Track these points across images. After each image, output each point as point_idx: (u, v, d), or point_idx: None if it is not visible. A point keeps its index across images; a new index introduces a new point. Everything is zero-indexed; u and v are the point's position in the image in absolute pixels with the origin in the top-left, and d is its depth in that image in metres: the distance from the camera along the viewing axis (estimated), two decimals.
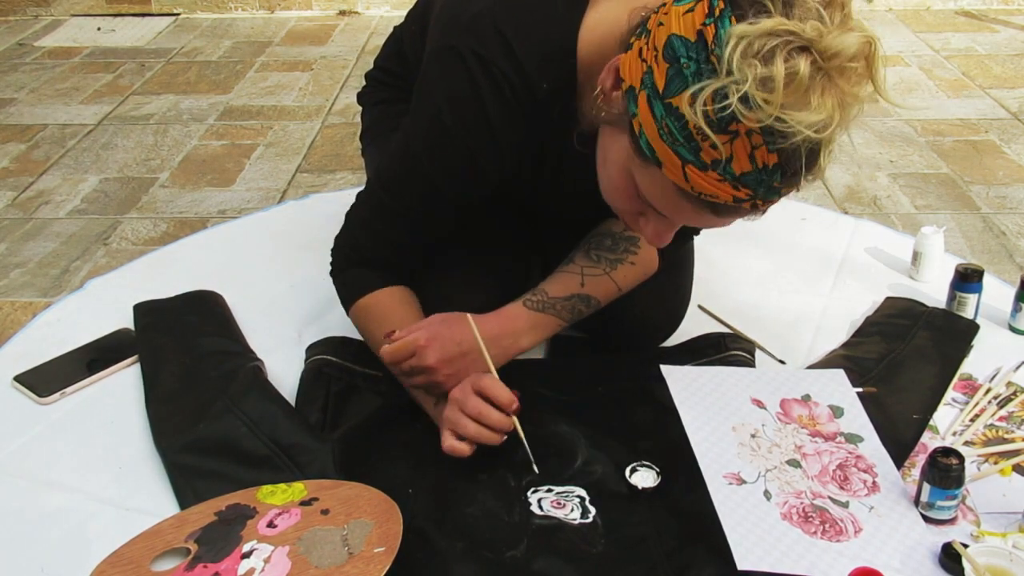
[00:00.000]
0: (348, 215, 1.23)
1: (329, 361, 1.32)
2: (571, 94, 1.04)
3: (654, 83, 0.84)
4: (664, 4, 0.87)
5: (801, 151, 0.81)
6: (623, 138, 0.91)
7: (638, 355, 1.35)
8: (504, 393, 1.07)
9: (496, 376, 1.09)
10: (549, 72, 1.02)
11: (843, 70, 0.79)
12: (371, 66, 1.50)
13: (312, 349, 1.37)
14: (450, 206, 1.15)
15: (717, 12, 0.81)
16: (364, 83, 1.51)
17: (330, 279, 1.25)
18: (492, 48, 1.00)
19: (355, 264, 1.22)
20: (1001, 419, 1.25)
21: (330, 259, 1.25)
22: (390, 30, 1.49)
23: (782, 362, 1.37)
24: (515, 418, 1.09)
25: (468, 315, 1.13)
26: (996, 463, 1.17)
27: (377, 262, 1.21)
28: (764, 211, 0.89)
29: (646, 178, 0.91)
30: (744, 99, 0.78)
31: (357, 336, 1.32)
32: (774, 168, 0.83)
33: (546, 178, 1.18)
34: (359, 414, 1.24)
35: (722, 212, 0.89)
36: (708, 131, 0.81)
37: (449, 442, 1.08)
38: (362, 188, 1.23)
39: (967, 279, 1.44)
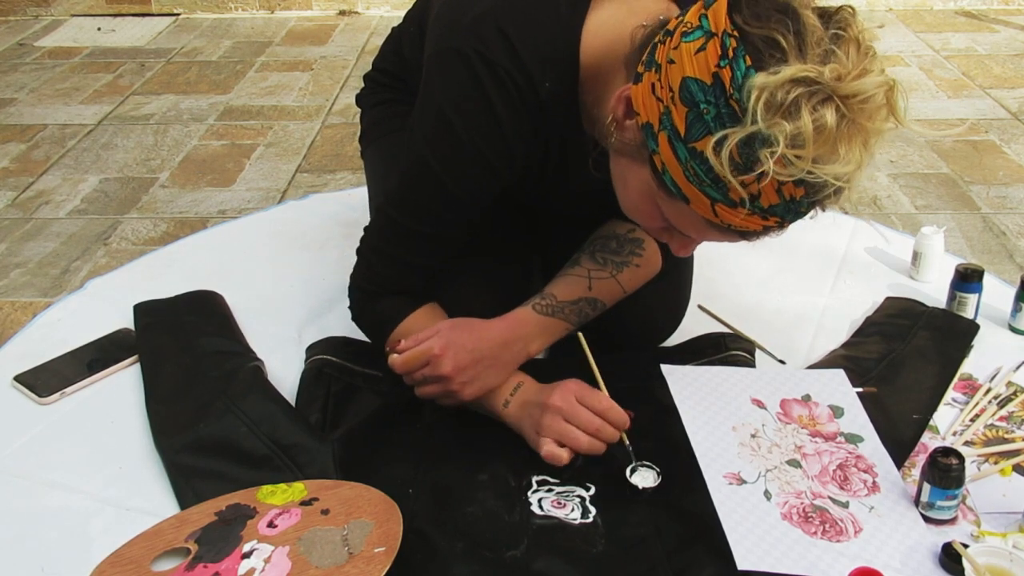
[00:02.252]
0: (359, 251, 1.21)
1: (329, 361, 1.32)
2: (573, 97, 1.05)
3: (674, 125, 0.85)
4: (668, 29, 0.88)
5: (828, 186, 0.83)
6: (643, 170, 0.92)
7: (638, 355, 1.35)
8: (621, 414, 1.11)
9: (606, 393, 1.12)
10: (551, 73, 1.02)
11: (866, 111, 0.81)
12: (370, 67, 1.50)
13: (312, 349, 1.37)
14: (465, 212, 1.13)
15: (731, 53, 0.81)
16: (363, 85, 1.51)
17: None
18: (495, 48, 1.00)
19: (375, 298, 1.21)
20: (1001, 419, 1.25)
21: (348, 305, 1.24)
22: (390, 30, 1.49)
23: (782, 362, 1.37)
24: (624, 434, 1.13)
25: (580, 334, 1.17)
26: (996, 463, 1.17)
27: (399, 289, 1.20)
28: (787, 228, 0.92)
29: (672, 209, 0.92)
30: (776, 157, 0.79)
31: (358, 336, 1.32)
32: (802, 199, 0.85)
33: (549, 176, 1.18)
34: (359, 414, 1.24)
35: (750, 236, 0.92)
36: (735, 176, 0.82)
37: (549, 448, 1.11)
38: (367, 223, 1.21)
39: (967, 279, 1.44)
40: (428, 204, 1.11)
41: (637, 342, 1.35)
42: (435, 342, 1.12)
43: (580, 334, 1.18)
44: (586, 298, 1.21)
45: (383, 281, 1.19)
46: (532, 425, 1.13)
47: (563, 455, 1.11)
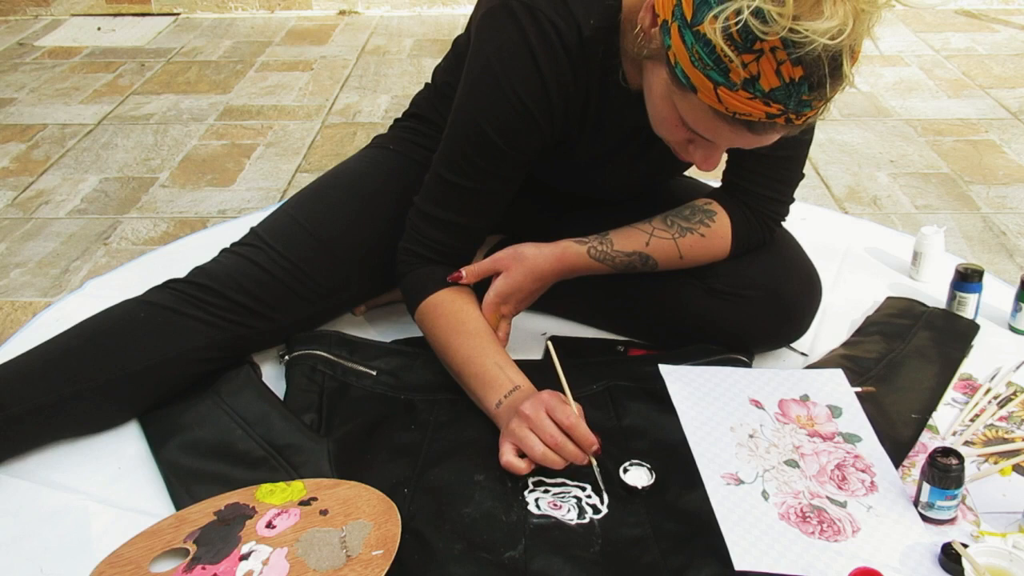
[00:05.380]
0: (408, 218, 1.25)
1: (323, 358, 1.32)
2: (615, 33, 1.09)
3: (683, 13, 0.90)
4: None
5: (823, 60, 0.86)
6: (662, 71, 0.98)
7: (638, 355, 1.35)
8: (587, 435, 1.08)
9: (577, 413, 1.09)
10: (594, 11, 1.08)
11: None
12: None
13: (300, 343, 1.34)
14: (507, 164, 1.17)
15: None
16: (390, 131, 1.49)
17: None
18: None
19: (418, 264, 1.25)
20: (1001, 419, 1.25)
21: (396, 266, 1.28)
22: (390, 30, 1.49)
23: (804, 354, 1.38)
24: (593, 459, 1.10)
25: (548, 342, 1.21)
26: (996, 463, 1.17)
27: (442, 254, 1.24)
28: (801, 125, 0.94)
29: (685, 105, 0.97)
30: (757, 14, 0.84)
31: (352, 333, 1.32)
32: (800, 81, 0.88)
33: (586, 139, 1.21)
34: (354, 414, 1.24)
35: (758, 129, 0.94)
36: (733, 52, 0.87)
37: (508, 458, 1.09)
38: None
39: (967, 279, 1.44)
40: (472, 157, 1.16)
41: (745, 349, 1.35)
42: (504, 255, 1.25)
43: (549, 343, 1.20)
44: (640, 252, 1.26)
45: (429, 244, 1.23)
46: (503, 427, 1.13)
47: (520, 466, 1.09)
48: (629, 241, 1.25)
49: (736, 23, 0.85)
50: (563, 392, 1.12)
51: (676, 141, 1.06)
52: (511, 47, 1.08)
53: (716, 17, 0.86)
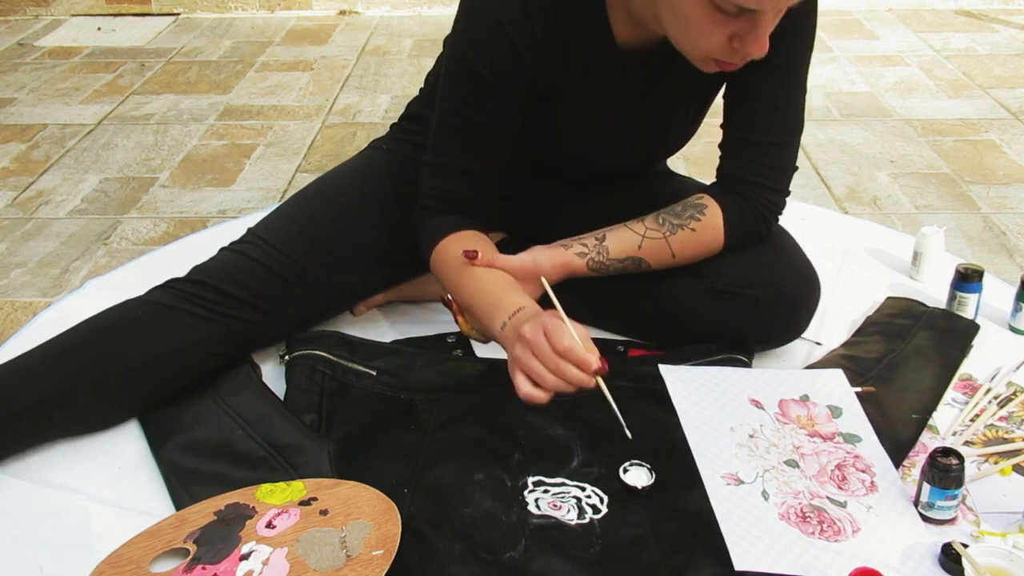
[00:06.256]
0: (419, 176, 1.27)
1: (322, 358, 1.32)
2: None
3: None
4: None
5: None
6: None
7: (638, 356, 1.35)
8: (583, 356, 1.02)
9: (573, 332, 1.03)
10: None
11: None
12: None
13: (300, 343, 1.34)
14: (500, 98, 1.18)
15: None
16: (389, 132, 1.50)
17: None
18: None
19: (430, 216, 1.26)
20: (1001, 419, 1.25)
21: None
22: (390, 30, 1.49)
23: (818, 343, 1.39)
24: (600, 380, 1.05)
25: (542, 278, 1.19)
26: (996, 463, 1.17)
27: (452, 203, 1.25)
28: None
29: None
30: None
31: (352, 333, 1.31)
32: None
33: (571, 87, 1.21)
34: (354, 414, 1.24)
35: None
36: None
37: (526, 389, 1.04)
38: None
39: (967, 279, 1.44)
40: (465, 94, 1.18)
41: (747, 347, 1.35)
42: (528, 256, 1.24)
43: (544, 279, 1.18)
44: (632, 257, 1.26)
45: (439, 195, 1.25)
46: (510, 354, 1.09)
47: (540, 396, 1.03)
48: (622, 246, 1.25)
49: None
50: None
51: (719, 43, 1.03)
52: None
53: None
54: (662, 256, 1.27)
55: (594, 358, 1.02)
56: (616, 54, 1.17)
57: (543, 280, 1.18)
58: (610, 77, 1.20)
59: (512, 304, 1.13)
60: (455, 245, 1.22)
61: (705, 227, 1.26)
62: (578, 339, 1.03)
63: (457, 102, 1.19)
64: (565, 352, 1.02)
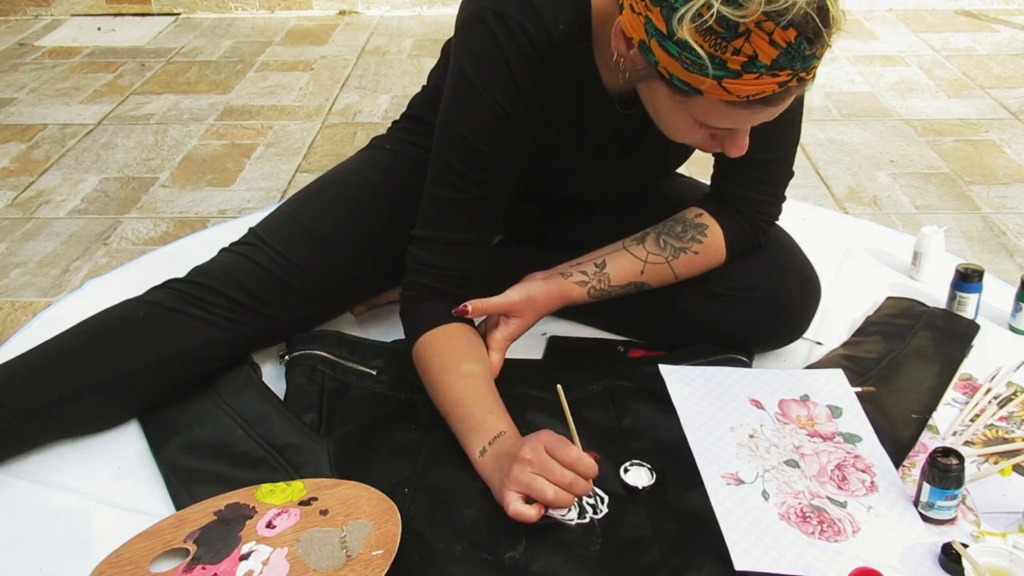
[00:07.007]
0: (407, 252, 1.22)
1: (323, 358, 1.32)
2: (586, 38, 1.09)
3: (656, 28, 0.91)
4: None
5: (810, 14, 0.86)
6: (660, 86, 0.98)
7: (638, 356, 1.35)
8: (591, 464, 1.03)
9: (579, 445, 1.05)
10: (563, 14, 1.07)
11: None
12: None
13: (300, 343, 1.34)
14: (494, 170, 1.16)
15: None
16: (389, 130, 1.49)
17: None
18: (507, 3, 1.06)
19: (421, 298, 1.21)
20: (1001, 419, 1.25)
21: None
22: (390, 30, 1.49)
23: (819, 343, 1.39)
24: (561, 393, 1.09)
25: (559, 387, 1.12)
26: (996, 463, 1.17)
27: (443, 279, 1.20)
28: (812, 78, 0.94)
29: (696, 108, 0.97)
30: (727, 2, 0.85)
31: (352, 333, 1.31)
32: (797, 41, 0.88)
33: (568, 143, 1.20)
34: (354, 414, 1.24)
35: (775, 100, 0.94)
36: (721, 43, 0.87)
37: (516, 506, 1.02)
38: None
39: (967, 279, 1.44)
40: (459, 168, 1.15)
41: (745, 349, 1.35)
42: (514, 294, 1.24)
43: (559, 387, 1.12)
44: (635, 282, 1.27)
45: (430, 271, 1.20)
46: (500, 478, 1.06)
47: (530, 513, 1.02)
48: (624, 272, 1.26)
49: (710, 16, 0.86)
50: (567, 434, 1.08)
51: (699, 141, 1.06)
52: (485, 56, 1.08)
53: (689, 19, 0.87)
54: (664, 278, 1.28)
55: (592, 461, 1.04)
56: (607, 99, 1.15)
57: (559, 390, 1.11)
58: (606, 121, 1.19)
59: (492, 429, 1.10)
60: (440, 339, 1.19)
61: (707, 248, 1.27)
62: (579, 443, 1.05)
63: (449, 175, 1.16)
64: (574, 464, 1.03)
